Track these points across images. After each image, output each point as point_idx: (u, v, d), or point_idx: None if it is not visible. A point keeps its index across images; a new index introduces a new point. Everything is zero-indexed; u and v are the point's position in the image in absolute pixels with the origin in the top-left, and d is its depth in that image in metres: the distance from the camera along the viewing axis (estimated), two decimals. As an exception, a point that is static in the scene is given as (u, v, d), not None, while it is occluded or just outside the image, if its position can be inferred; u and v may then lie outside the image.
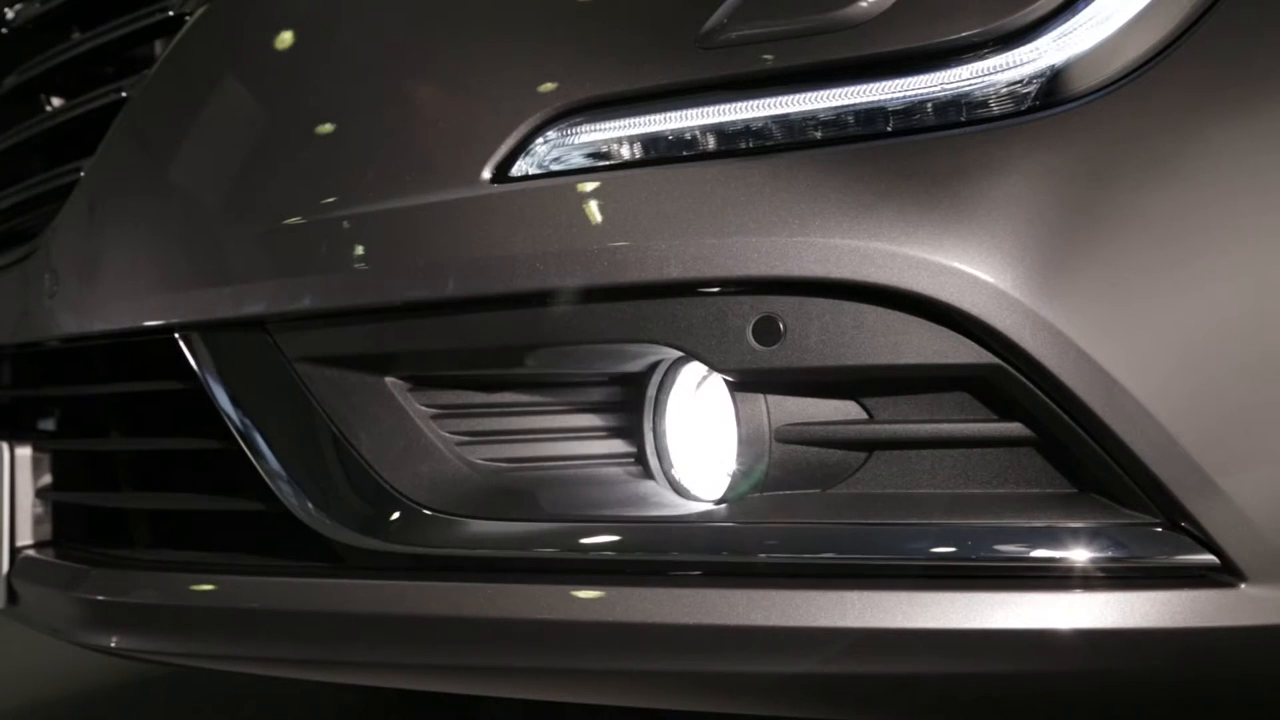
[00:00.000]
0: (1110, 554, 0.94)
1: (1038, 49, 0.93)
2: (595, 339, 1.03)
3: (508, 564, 1.06)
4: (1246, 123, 0.92)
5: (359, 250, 1.07)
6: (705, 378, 1.07)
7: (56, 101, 1.50)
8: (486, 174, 1.03)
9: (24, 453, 1.41)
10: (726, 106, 0.98)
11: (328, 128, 1.12)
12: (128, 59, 1.34)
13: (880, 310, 0.95)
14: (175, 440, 1.29)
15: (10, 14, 1.50)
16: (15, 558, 1.39)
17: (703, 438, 1.07)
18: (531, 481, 1.10)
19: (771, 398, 1.01)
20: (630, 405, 1.09)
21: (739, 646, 0.98)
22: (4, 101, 1.51)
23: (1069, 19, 0.93)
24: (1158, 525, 0.94)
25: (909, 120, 0.95)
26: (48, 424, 1.53)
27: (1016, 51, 0.93)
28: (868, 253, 0.94)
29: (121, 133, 1.27)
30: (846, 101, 0.96)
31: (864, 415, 1.00)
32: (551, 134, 1.02)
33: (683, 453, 1.08)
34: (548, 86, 1.03)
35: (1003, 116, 0.94)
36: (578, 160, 1.02)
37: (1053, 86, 0.93)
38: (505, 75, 1.05)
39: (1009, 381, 0.94)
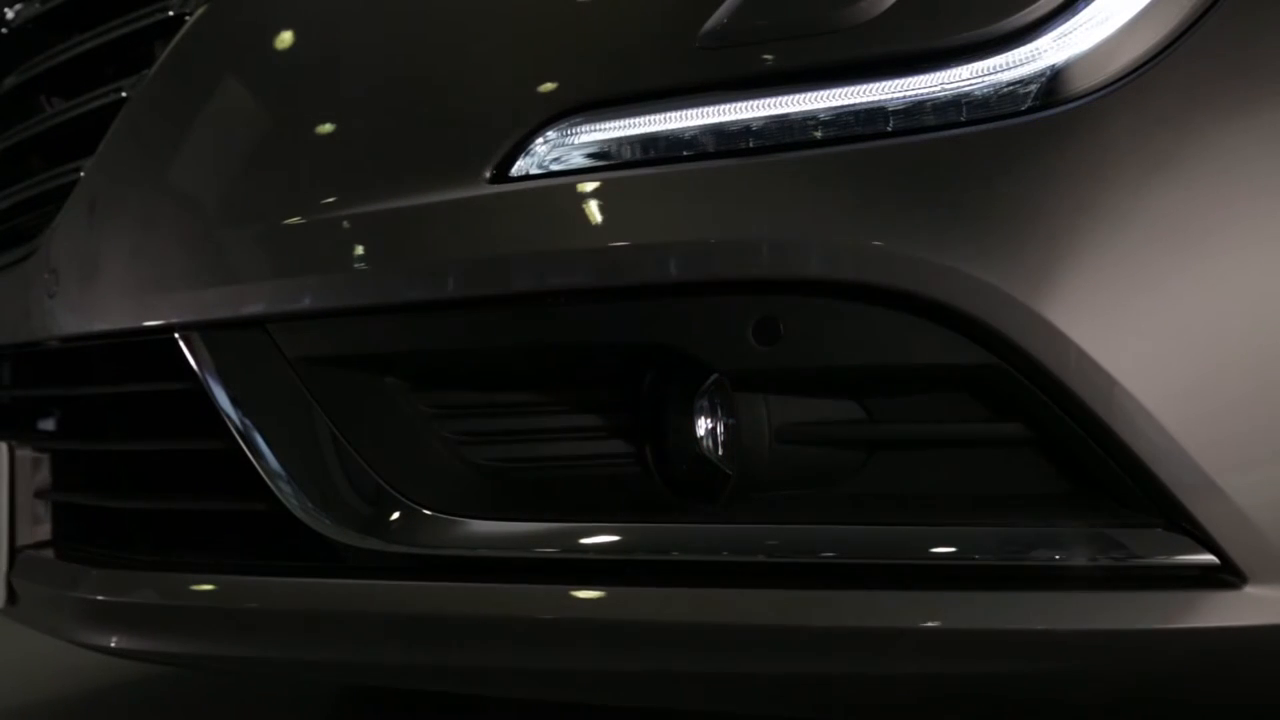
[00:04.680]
0: (1110, 554, 0.94)
1: (1038, 49, 0.93)
2: (595, 339, 1.03)
3: (508, 564, 1.06)
4: (1246, 123, 0.92)
5: (359, 250, 1.07)
6: (705, 378, 1.07)
7: (57, 101, 1.49)
8: (487, 174, 1.03)
9: (24, 453, 1.41)
10: (726, 107, 0.98)
11: (328, 127, 1.12)
12: (128, 59, 1.34)
13: (880, 310, 0.95)
14: (175, 440, 1.29)
15: (10, 14, 1.50)
16: (15, 558, 1.39)
17: (703, 438, 1.07)
18: (531, 481, 1.10)
19: (771, 398, 1.01)
20: (630, 405, 1.09)
21: (739, 646, 0.98)
22: (4, 101, 1.51)
23: (1069, 19, 0.93)
24: (1158, 525, 0.93)
25: (909, 120, 0.95)
26: (48, 424, 1.53)
27: (1016, 51, 0.93)
28: (868, 253, 0.94)
29: (121, 133, 1.26)
30: (846, 101, 0.96)
31: (864, 415, 1.00)
32: (552, 134, 1.02)
33: (683, 453, 1.08)
34: (548, 86, 1.03)
35: (1003, 116, 0.94)
36: (578, 160, 1.02)
37: (1053, 86, 0.93)
38: (505, 75, 1.05)
39: (1009, 381, 0.94)
